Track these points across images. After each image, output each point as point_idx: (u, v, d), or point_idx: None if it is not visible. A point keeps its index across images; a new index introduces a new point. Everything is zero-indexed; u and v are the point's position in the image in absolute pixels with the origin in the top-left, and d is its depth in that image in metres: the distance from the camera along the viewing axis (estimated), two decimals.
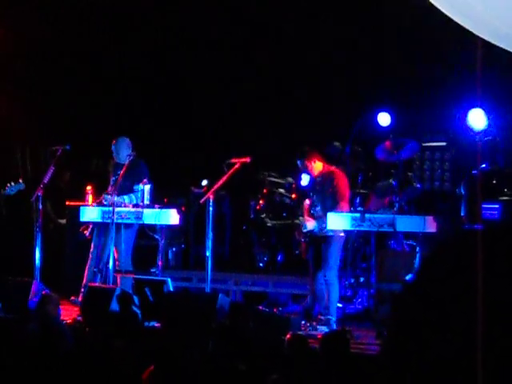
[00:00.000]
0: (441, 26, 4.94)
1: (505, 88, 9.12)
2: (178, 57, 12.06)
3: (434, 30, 8.10)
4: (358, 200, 9.69)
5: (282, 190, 10.81)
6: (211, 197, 8.76)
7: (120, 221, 9.03)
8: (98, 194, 9.39)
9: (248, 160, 8.81)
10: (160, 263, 9.20)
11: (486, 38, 3.94)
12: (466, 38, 4.14)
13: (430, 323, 4.57)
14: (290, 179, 10.77)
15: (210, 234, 8.83)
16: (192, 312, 7.69)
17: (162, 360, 5.52)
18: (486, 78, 4.27)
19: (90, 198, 9.39)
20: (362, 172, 10.13)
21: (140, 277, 8.75)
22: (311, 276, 8.66)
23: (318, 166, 8.61)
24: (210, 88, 11.89)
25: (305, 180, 9.44)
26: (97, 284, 9.00)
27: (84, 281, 9.20)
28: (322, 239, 8.45)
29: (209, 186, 9.85)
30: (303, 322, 8.35)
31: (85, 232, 9.53)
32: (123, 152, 9.37)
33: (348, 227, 8.25)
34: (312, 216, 8.57)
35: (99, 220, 9.18)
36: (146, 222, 9.08)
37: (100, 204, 9.26)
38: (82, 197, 9.52)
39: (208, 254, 8.79)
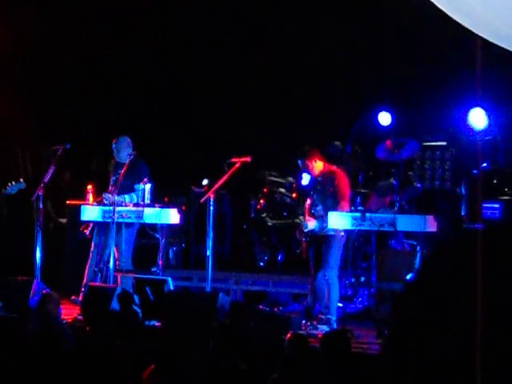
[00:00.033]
0: (441, 26, 4.95)
1: (505, 87, 9.12)
2: (177, 57, 12.05)
3: (433, 30, 8.10)
4: (358, 199, 9.69)
5: (282, 190, 10.80)
6: (212, 196, 8.76)
7: (121, 220, 9.03)
8: (99, 193, 9.39)
9: (248, 159, 8.81)
10: (160, 262, 9.21)
11: (486, 37, 3.95)
12: (466, 38, 4.14)
13: (431, 323, 4.58)
14: (290, 179, 10.76)
15: (211, 234, 8.84)
16: (192, 311, 7.69)
17: (163, 359, 5.52)
18: (487, 78, 4.27)
19: (90, 197, 9.38)
20: (362, 171, 10.14)
21: (140, 276, 8.76)
22: (312, 275, 8.66)
23: (318, 166, 8.61)
24: (209, 88, 11.89)
25: (305, 179, 9.43)
26: (97, 283, 9.00)
27: (84, 280, 9.20)
28: (322, 239, 8.45)
29: (209, 186, 9.86)
30: (304, 322, 8.35)
31: (85, 231, 9.53)
32: (124, 151, 9.37)
33: (349, 227, 8.25)
34: (313, 216, 8.57)
35: (100, 219, 9.18)
36: (146, 222, 9.08)
37: (100, 203, 9.26)
38: (82, 196, 9.52)
39: (208, 253, 8.80)
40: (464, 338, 4.31)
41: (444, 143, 10.46)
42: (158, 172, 9.58)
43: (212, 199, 8.76)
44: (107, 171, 9.67)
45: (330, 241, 8.40)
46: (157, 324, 8.02)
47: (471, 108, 8.96)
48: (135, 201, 9.19)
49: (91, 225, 9.46)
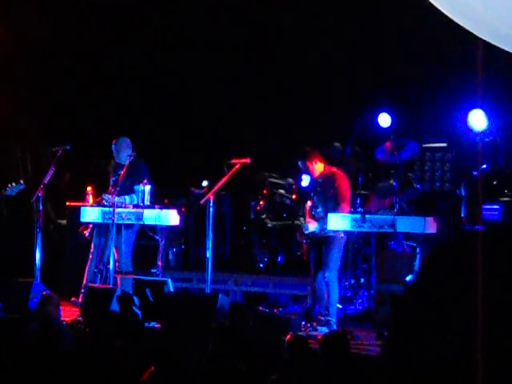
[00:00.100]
0: (441, 26, 4.94)
1: (505, 89, 9.13)
2: (178, 57, 12.05)
3: (433, 29, 8.09)
4: (358, 201, 9.68)
5: (282, 191, 10.81)
6: (211, 197, 8.75)
7: (120, 221, 9.02)
8: (99, 194, 9.39)
9: (248, 161, 8.80)
10: (160, 264, 9.20)
11: (487, 38, 3.95)
12: (467, 39, 4.14)
13: (430, 324, 4.57)
14: (290, 180, 10.77)
15: (211, 235, 8.83)
16: (192, 312, 7.69)
17: (162, 360, 5.52)
18: (487, 79, 4.27)
19: (90, 198, 9.38)
20: (362, 173, 10.14)
21: (140, 277, 8.75)
22: (312, 277, 8.65)
23: (319, 167, 8.60)
24: (210, 88, 11.89)
25: (305, 181, 9.44)
26: (97, 285, 8.99)
27: (84, 281, 9.19)
28: (323, 240, 8.44)
29: (209, 187, 9.86)
30: (303, 323, 8.34)
31: (84, 232, 9.52)
32: (123, 152, 9.36)
33: (348, 228, 8.24)
34: (313, 217, 8.56)
35: (99, 221, 9.17)
36: (146, 223, 9.08)
37: (100, 204, 9.26)
38: (82, 197, 9.51)
39: (208, 254, 8.79)
40: (463, 339, 4.31)
41: (444, 144, 10.46)
42: (157, 173, 9.57)
43: (212, 200, 8.75)
44: (107, 172, 9.67)
45: (330, 242, 8.39)
46: (156, 325, 8.01)
47: (471, 109, 8.96)
48: (135, 202, 9.19)
49: (91, 226, 9.46)
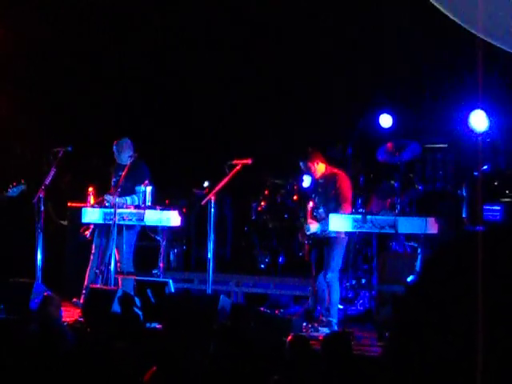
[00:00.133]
0: (441, 26, 4.94)
1: (506, 89, 9.13)
2: (178, 57, 12.05)
3: (433, 30, 8.10)
4: (359, 201, 9.67)
5: (283, 192, 10.80)
6: (213, 198, 8.74)
7: (121, 222, 9.02)
8: (100, 195, 9.38)
9: (249, 161, 8.78)
10: (161, 265, 9.20)
11: (487, 38, 3.94)
12: (467, 39, 4.14)
13: (432, 325, 4.56)
14: (291, 181, 10.76)
15: (212, 236, 8.82)
16: (193, 313, 7.69)
17: (164, 361, 5.52)
18: (488, 80, 4.27)
19: (91, 199, 9.37)
20: (363, 174, 10.13)
21: (141, 278, 8.75)
22: (313, 277, 8.65)
23: (320, 168, 8.59)
24: (210, 88, 11.88)
25: (306, 181, 9.43)
26: (98, 285, 8.99)
27: (85, 282, 9.19)
28: (324, 241, 8.44)
29: (210, 188, 9.84)
30: (305, 324, 8.34)
31: (85, 233, 9.52)
32: (125, 153, 9.36)
33: (349, 229, 8.23)
34: (315, 218, 8.55)
35: (101, 221, 9.17)
36: (147, 224, 9.08)
37: (101, 205, 9.25)
38: (83, 198, 9.51)
39: (209, 255, 8.78)
40: (465, 340, 4.30)
41: (445, 145, 10.45)
42: (159, 174, 9.58)
43: (213, 201, 8.74)
44: (108, 173, 9.66)
45: (332, 243, 8.39)
46: (158, 326, 8.01)
47: (472, 110, 8.96)
48: (136, 203, 9.18)
49: (92, 227, 9.45)
